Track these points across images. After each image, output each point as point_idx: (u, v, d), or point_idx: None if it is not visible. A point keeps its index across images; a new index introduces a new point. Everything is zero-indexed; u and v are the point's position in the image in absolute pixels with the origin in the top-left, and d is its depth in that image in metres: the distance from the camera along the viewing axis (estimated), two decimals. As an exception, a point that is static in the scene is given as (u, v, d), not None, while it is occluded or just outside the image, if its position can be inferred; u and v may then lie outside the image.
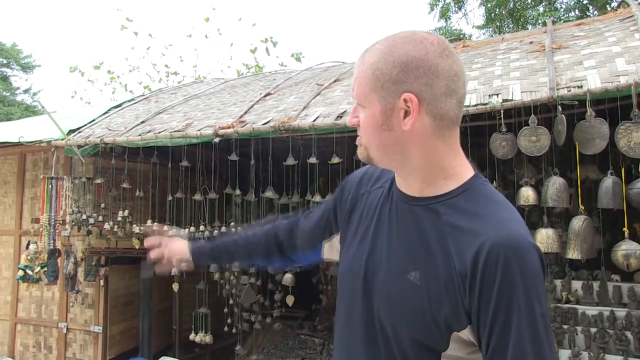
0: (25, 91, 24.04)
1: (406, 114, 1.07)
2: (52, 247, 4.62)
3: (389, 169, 1.23)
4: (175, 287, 5.08)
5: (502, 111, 3.10)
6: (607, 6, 11.51)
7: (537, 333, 0.99)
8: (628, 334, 3.42)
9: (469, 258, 1.02)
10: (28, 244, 4.80)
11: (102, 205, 4.76)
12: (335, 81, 4.81)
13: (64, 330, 5.20)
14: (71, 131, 4.93)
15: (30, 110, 21.04)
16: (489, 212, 1.07)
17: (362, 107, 1.14)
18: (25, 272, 4.60)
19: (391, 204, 1.22)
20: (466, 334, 1.05)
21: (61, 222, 4.72)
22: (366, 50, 1.14)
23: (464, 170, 1.14)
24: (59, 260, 4.73)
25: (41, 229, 4.68)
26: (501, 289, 0.99)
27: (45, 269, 4.61)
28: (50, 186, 4.69)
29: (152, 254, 1.72)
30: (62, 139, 4.71)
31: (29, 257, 4.62)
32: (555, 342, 3.59)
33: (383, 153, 1.14)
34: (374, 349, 1.16)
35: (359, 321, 1.20)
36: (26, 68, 23.90)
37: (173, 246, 1.71)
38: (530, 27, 11.99)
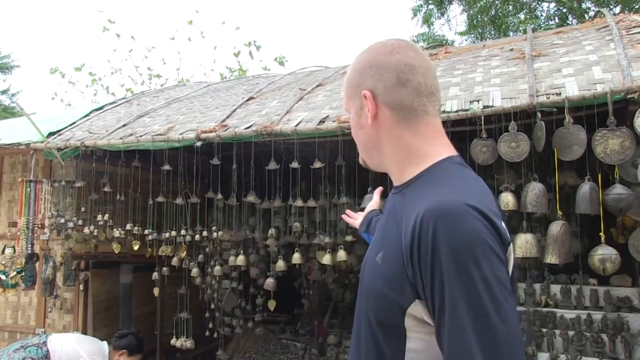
0: (3, 92, 23.56)
1: (367, 109, 1.18)
2: (30, 252, 4.54)
3: (381, 170, 1.28)
4: (156, 291, 5.04)
5: (482, 117, 3.14)
6: (585, 15, 11.75)
7: (477, 298, 0.91)
8: (604, 336, 3.49)
9: (411, 227, 1.02)
10: (4, 249, 4.72)
11: (83, 209, 4.70)
12: (318, 86, 4.82)
13: (42, 336, 5.11)
14: (51, 134, 4.86)
15: (8, 112, 20.65)
16: (437, 185, 1.08)
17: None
18: (-1, 277, 4.51)
19: (387, 204, 1.29)
20: (417, 310, 1.03)
21: (40, 225, 4.64)
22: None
23: (437, 155, 1.16)
24: (37, 264, 4.65)
25: (19, 233, 4.60)
26: (434, 255, 0.96)
27: (23, 273, 4.53)
28: (28, 189, 4.62)
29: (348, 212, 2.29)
30: (42, 142, 4.63)
31: (3, 262, 4.53)
32: (535, 344, 3.64)
33: (365, 151, 1.25)
34: (357, 343, 1.20)
35: (355, 318, 1.23)
36: (4, 68, 23.43)
37: (359, 220, 2.14)
38: (511, 34, 12.17)
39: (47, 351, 3.21)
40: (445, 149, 1.19)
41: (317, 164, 3.83)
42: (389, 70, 1.16)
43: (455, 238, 0.95)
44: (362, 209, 2.25)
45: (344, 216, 2.29)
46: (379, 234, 1.23)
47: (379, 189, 2.22)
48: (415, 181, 1.15)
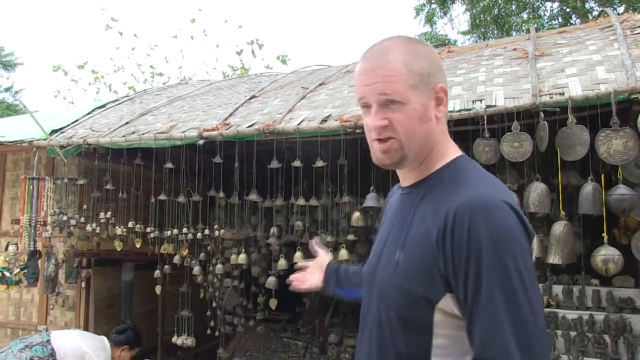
0: (7, 89, 23.63)
1: (438, 103, 1.18)
2: (32, 249, 4.55)
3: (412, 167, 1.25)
4: (158, 289, 5.04)
5: (485, 117, 3.13)
6: (589, 15, 11.71)
7: (511, 288, 0.97)
8: (606, 337, 3.47)
9: (442, 220, 1.05)
10: (7, 246, 4.72)
11: (85, 207, 4.71)
12: (320, 85, 4.81)
13: (44, 333, 5.12)
14: (54, 131, 4.87)
15: (11, 109, 20.70)
16: (465, 181, 1.13)
17: (396, 104, 1.14)
18: (2, 274, 4.52)
19: (396, 203, 1.31)
20: (448, 304, 1.05)
21: (42, 223, 4.65)
22: (382, 51, 1.16)
23: (453, 152, 1.23)
24: (39, 261, 4.66)
25: (21, 230, 4.61)
26: (470, 245, 1.00)
27: (25, 270, 4.54)
28: (31, 187, 4.63)
29: (295, 278, 1.89)
30: (45, 139, 4.64)
31: (7, 259, 4.54)
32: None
33: (423, 146, 1.18)
34: (368, 348, 1.19)
35: (366, 318, 1.24)
36: (7, 66, 23.50)
37: (312, 278, 1.84)
38: (514, 33, 12.15)
39: (52, 349, 3.22)
40: (455, 147, 1.25)
41: (319, 163, 3.83)
42: (443, 72, 1.24)
43: (494, 231, 1.00)
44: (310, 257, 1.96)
45: (295, 285, 1.91)
46: (392, 234, 1.23)
47: (318, 243, 1.96)
48: (434, 176, 1.19)
